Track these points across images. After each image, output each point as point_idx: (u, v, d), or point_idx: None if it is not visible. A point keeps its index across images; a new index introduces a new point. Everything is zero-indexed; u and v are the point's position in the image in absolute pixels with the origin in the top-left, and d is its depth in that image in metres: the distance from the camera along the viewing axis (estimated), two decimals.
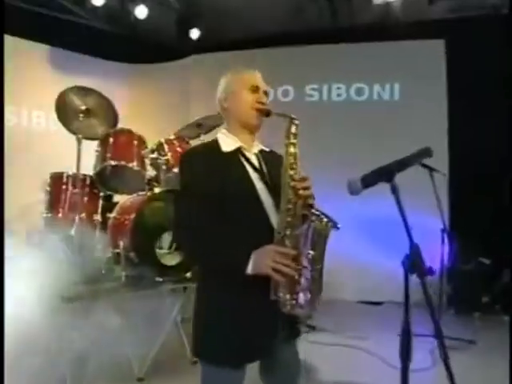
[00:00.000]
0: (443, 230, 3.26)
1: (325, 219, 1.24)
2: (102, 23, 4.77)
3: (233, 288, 1.25)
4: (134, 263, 2.38)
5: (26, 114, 4.46)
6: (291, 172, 1.27)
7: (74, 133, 2.76)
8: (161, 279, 2.37)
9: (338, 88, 4.94)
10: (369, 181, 1.05)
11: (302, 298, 1.20)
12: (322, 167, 4.31)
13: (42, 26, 4.42)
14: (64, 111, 2.74)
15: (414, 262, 0.94)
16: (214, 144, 1.39)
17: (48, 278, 2.29)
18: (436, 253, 3.33)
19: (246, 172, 1.34)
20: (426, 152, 1.10)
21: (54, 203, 2.77)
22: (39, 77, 4.42)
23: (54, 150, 3.93)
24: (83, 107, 2.73)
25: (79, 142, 2.71)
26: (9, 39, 4.30)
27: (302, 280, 1.20)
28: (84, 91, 2.73)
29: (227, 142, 1.39)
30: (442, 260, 3.32)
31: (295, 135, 1.30)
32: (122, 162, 2.62)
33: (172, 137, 2.88)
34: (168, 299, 2.53)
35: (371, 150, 4.18)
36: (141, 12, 4.56)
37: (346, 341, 3.16)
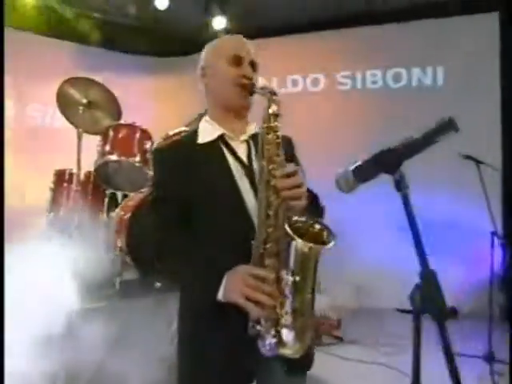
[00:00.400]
0: (493, 233, 2.81)
1: (316, 228, 0.94)
2: (122, 16, 4.66)
3: (207, 315, 1.00)
4: (131, 267, 2.18)
5: (50, 113, 4.43)
6: (271, 166, 0.97)
7: (75, 126, 2.62)
8: (160, 285, 2.16)
9: (373, 75, 4.49)
10: (363, 173, 0.73)
11: (285, 333, 0.90)
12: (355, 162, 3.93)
13: (64, 22, 4.37)
14: (63, 104, 2.61)
15: (427, 298, 0.62)
16: (192, 135, 1.14)
17: (47, 285, 2.15)
18: (485, 258, 2.89)
19: (227, 167, 1.07)
20: (447, 126, 0.72)
21: (56, 201, 2.65)
22: (62, 74, 4.38)
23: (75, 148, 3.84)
24: (84, 100, 2.58)
25: (79, 136, 2.57)
26: (31, 37, 4.36)
27: (284, 312, 0.90)
28: (84, 82, 2.58)
29: (207, 130, 1.12)
30: (491, 267, 2.89)
31: (276, 116, 0.99)
32: (123, 157, 2.43)
33: (181, 129, 2.65)
34: (170, 307, 2.30)
35: None
36: (161, 3, 4.39)
37: (376, 356, 2.80)
